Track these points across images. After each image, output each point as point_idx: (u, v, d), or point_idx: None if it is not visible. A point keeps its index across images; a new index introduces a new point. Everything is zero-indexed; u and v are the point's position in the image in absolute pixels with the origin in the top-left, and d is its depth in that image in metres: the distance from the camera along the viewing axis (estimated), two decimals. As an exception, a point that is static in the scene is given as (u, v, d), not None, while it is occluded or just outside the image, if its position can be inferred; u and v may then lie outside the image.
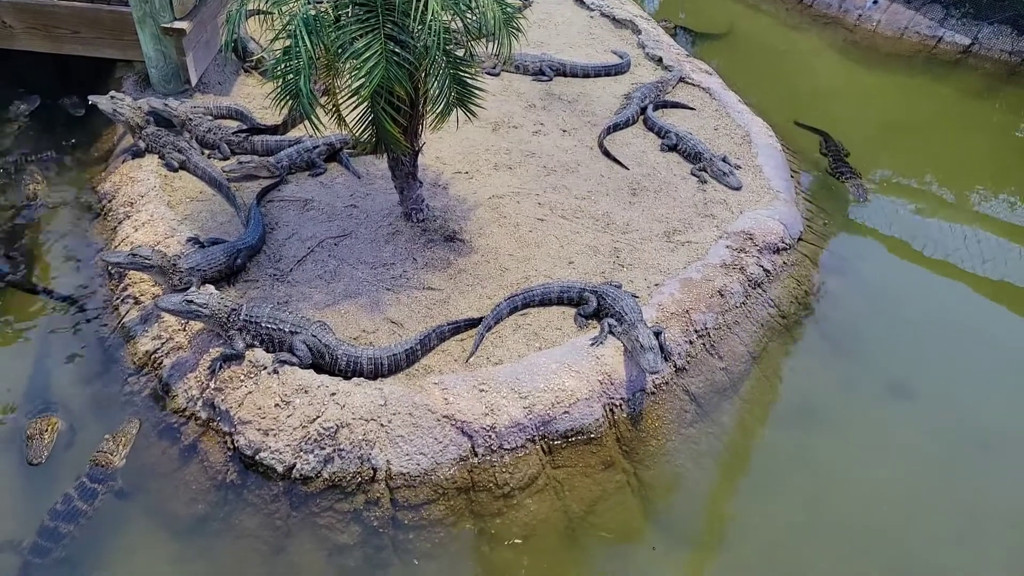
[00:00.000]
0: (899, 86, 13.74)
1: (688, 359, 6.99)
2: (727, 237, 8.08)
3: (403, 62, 6.15)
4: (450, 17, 6.34)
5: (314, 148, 8.71)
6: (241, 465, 5.80)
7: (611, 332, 6.69)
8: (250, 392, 5.91)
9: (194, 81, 9.84)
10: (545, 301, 7.13)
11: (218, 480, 5.78)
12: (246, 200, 7.98)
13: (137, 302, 6.96)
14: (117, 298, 7.17)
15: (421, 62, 6.28)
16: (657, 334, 6.63)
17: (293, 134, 9.21)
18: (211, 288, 6.29)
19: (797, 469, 6.70)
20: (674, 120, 10.34)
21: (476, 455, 5.98)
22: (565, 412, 6.21)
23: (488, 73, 10.93)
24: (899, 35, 14.76)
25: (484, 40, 6.76)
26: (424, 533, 5.71)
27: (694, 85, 11.33)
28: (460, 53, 6.69)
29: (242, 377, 5.99)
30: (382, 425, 5.82)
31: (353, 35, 6.05)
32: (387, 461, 5.76)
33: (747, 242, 8.02)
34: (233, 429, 5.85)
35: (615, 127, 10.00)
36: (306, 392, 5.87)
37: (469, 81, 6.70)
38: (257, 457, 5.75)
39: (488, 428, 5.98)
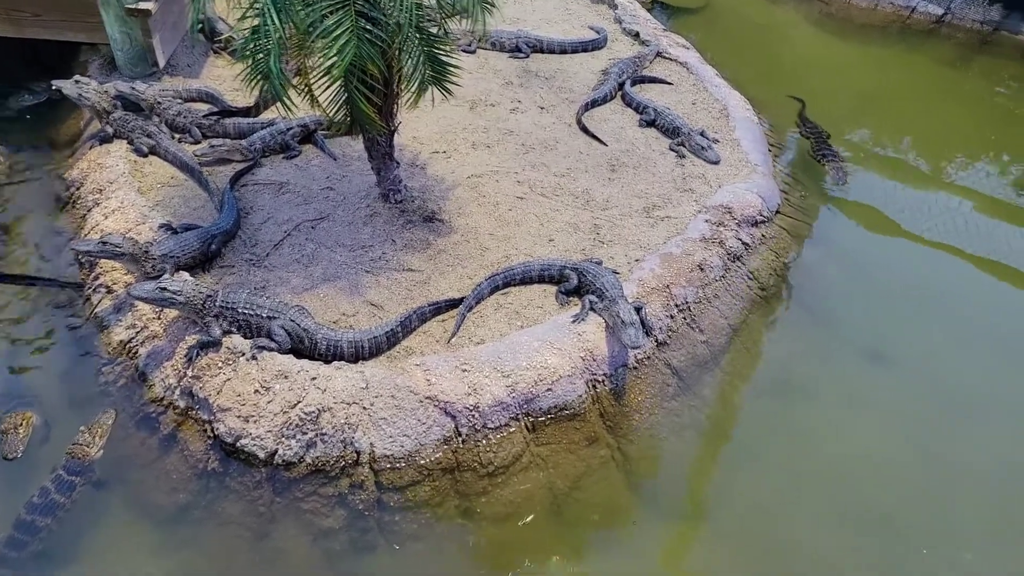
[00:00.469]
0: (874, 57, 13.79)
1: (669, 333, 7.00)
2: (706, 211, 8.07)
3: (375, 40, 6.04)
4: (423, -8, 6.24)
5: (288, 130, 8.56)
6: (222, 453, 5.73)
7: (592, 308, 6.68)
8: (229, 379, 5.83)
9: (162, 63, 9.61)
10: (526, 279, 7.09)
11: (199, 468, 5.71)
12: (219, 184, 7.84)
13: (110, 291, 6.82)
14: (89, 287, 7.02)
15: (394, 39, 6.16)
16: (638, 309, 6.63)
17: (266, 116, 9.03)
18: (185, 275, 6.18)
19: (778, 438, 6.77)
20: (652, 95, 10.29)
21: (460, 435, 5.95)
22: (548, 389, 6.20)
23: (464, 50, 10.80)
24: (873, 6, 14.80)
25: (459, 17, 6.66)
26: (410, 515, 5.69)
27: (671, 60, 11.28)
28: (434, 30, 6.57)
29: (220, 364, 5.90)
30: (364, 408, 5.77)
31: (323, 12, 5.92)
32: (370, 444, 5.72)
33: (726, 216, 8.01)
34: (212, 417, 5.77)
35: (593, 103, 9.93)
36: (286, 377, 5.80)
37: (444, 59, 6.59)
38: (238, 444, 5.68)
39: (471, 408, 5.95)
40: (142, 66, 9.50)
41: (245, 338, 6.07)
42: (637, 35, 11.77)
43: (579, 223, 7.91)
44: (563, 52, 11.18)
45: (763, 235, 8.28)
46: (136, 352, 6.34)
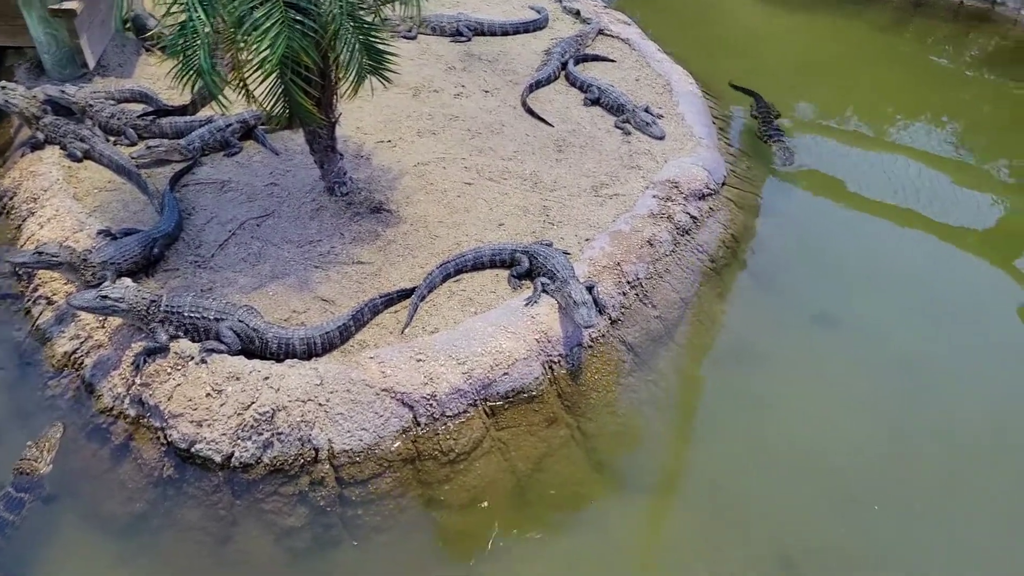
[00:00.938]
0: (815, 26, 14.01)
1: (623, 310, 7.07)
2: (653, 187, 8.14)
3: (308, 31, 5.94)
4: (353, -20, 6.14)
5: (227, 127, 8.39)
6: (177, 459, 5.63)
7: (544, 290, 6.70)
8: (179, 384, 5.73)
9: (92, 64, 9.33)
10: (477, 265, 7.09)
11: (154, 477, 5.61)
12: (159, 186, 7.66)
13: (50, 302, 6.63)
14: (28, 300, 6.82)
15: (327, 30, 6.06)
16: (590, 288, 6.67)
17: (204, 113, 8.83)
18: (127, 281, 6.02)
19: (735, 407, 6.90)
20: (596, 73, 10.31)
21: (419, 425, 5.95)
22: (505, 374, 6.22)
23: (404, 37, 10.68)
24: (812, -25, 14.95)
25: (395, 3, 6.57)
26: (373, 507, 5.69)
27: (613, 37, 11.31)
28: (369, 19, 6.48)
29: (169, 370, 5.80)
30: (320, 404, 5.72)
31: (251, 4, 5.78)
32: (328, 440, 5.68)
33: (673, 190, 8.10)
34: (165, 424, 5.67)
35: (537, 84, 9.92)
36: (238, 379, 5.72)
37: (381, 47, 6.51)
38: (193, 449, 5.60)
39: (428, 397, 5.95)
40: (71, 68, 9.20)
41: (193, 342, 5.97)
42: (578, 13, 11.77)
43: (528, 206, 7.92)
44: (504, 34, 11.13)
45: (711, 207, 8.39)
46: (82, 363, 6.18)
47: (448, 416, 6.02)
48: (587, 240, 7.46)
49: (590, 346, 6.72)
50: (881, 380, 7.11)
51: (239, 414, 5.61)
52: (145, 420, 5.79)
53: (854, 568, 5.70)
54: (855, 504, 6.07)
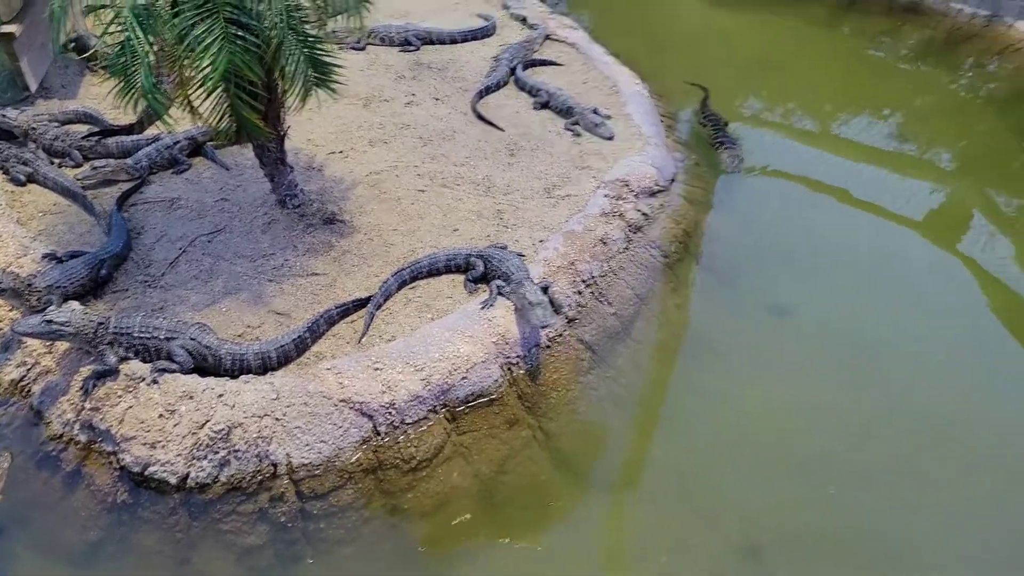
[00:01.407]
0: (756, 24, 14.28)
1: (579, 309, 7.12)
2: (604, 186, 8.24)
3: (250, 45, 5.91)
4: (293, -6, 6.14)
5: (175, 144, 8.29)
6: (131, 483, 5.53)
7: (500, 293, 6.73)
8: (130, 407, 5.63)
9: (33, 87, 9.16)
10: (433, 271, 7.10)
11: (108, 502, 5.50)
12: (106, 207, 7.54)
13: (-6, 330, 6.49)
14: (-27, 328, 6.65)
15: (270, 44, 6.04)
16: (545, 289, 6.72)
17: (152, 131, 8.71)
18: (74, 304, 5.91)
19: (694, 399, 6.99)
20: (544, 77, 10.41)
21: (379, 434, 5.92)
22: (463, 378, 6.23)
23: (353, 48, 10.67)
24: (751, -25, 15.21)
25: (337, 16, 6.57)
26: (335, 520, 5.65)
27: (560, 41, 11.43)
28: (314, 31, 6.48)
29: (120, 392, 5.70)
30: (277, 419, 5.67)
31: (191, 21, 5.74)
32: (287, 455, 5.63)
33: (624, 189, 8.20)
34: (117, 448, 5.57)
35: (487, 90, 9.98)
36: (191, 398, 5.65)
37: (326, 59, 6.52)
38: (147, 472, 5.50)
39: (387, 405, 5.93)
40: (12, 91, 9.03)
41: (144, 362, 5.88)
42: (525, 19, 11.87)
43: (482, 210, 7.95)
44: (453, 42, 11.18)
45: (661, 204, 8.50)
46: (29, 390, 6.05)
47: (408, 423, 6.01)
48: (541, 241, 7.52)
49: (548, 346, 6.76)
50: (835, 366, 7.25)
51: (194, 433, 5.54)
52: (97, 445, 5.68)
53: (818, 551, 5.79)
54: (817, 490, 6.17)
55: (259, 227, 7.51)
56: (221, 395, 5.67)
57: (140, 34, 5.61)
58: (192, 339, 5.89)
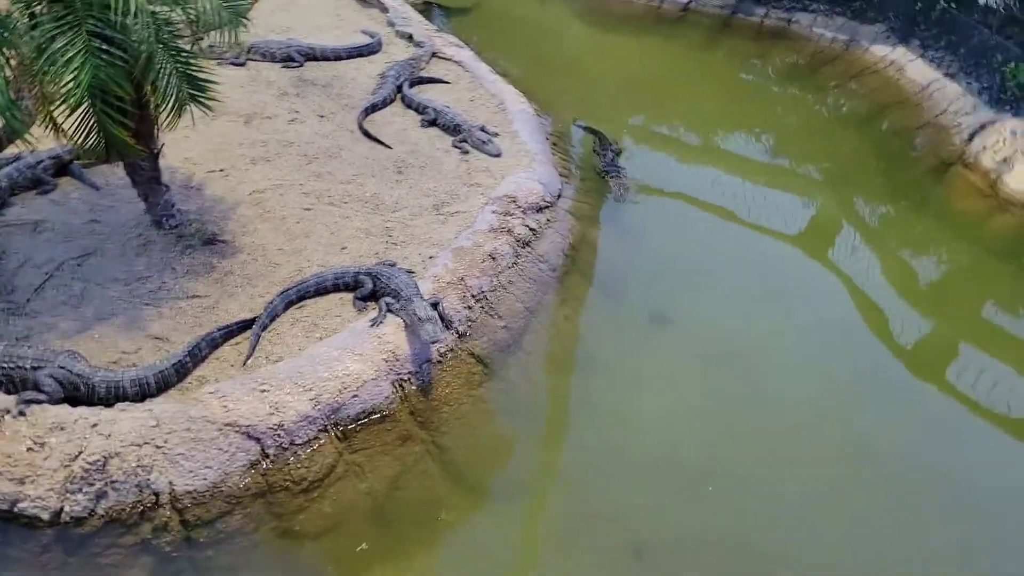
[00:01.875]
0: (636, 45, 15.01)
1: (469, 324, 7.24)
2: (493, 203, 8.42)
3: (117, 60, 5.72)
4: (164, 9, 5.99)
5: (38, 163, 7.83)
6: (-2, 522, 5.20)
7: (390, 310, 6.77)
8: (-6, 442, 5.29)
9: None
10: (320, 291, 7.04)
11: (-28, 545, 5.14)
12: (-40, 231, 7.04)
13: None
14: None
15: (139, 59, 5.86)
16: (435, 305, 6.80)
17: (12, 150, 8.17)
18: (-75, 336, 5.52)
19: (583, 408, 7.26)
20: (431, 95, 10.54)
21: (267, 457, 5.82)
22: (354, 396, 6.22)
23: (233, 63, 10.43)
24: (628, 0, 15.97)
25: (211, 32, 6.45)
26: (224, 547, 5.50)
27: (447, 59, 11.60)
28: (187, 47, 6.34)
29: (-19, 427, 5.34)
30: (158, 447, 5.47)
31: (51, 34, 5.50)
32: (169, 483, 5.44)
33: (511, 205, 8.41)
34: (-21, 486, 5.21)
35: (373, 107, 9.99)
36: (62, 429, 5.36)
37: (200, 75, 6.39)
38: (16, 509, 5.17)
39: (275, 427, 5.84)
40: None
41: (8, 394, 5.54)
42: (411, 37, 11.97)
43: (370, 228, 7.96)
44: (338, 58, 11.12)
45: (548, 219, 8.77)
46: None
47: (298, 444, 5.93)
48: (431, 258, 7.60)
49: (439, 361, 6.84)
50: (711, 370, 7.68)
51: (66, 466, 5.26)
52: (-43, 485, 5.28)
53: (698, 548, 6.08)
54: (697, 491, 6.49)
55: (133, 249, 7.21)
56: (95, 425, 5.41)
57: (-6, 49, 5.34)
58: (61, 367, 5.60)
